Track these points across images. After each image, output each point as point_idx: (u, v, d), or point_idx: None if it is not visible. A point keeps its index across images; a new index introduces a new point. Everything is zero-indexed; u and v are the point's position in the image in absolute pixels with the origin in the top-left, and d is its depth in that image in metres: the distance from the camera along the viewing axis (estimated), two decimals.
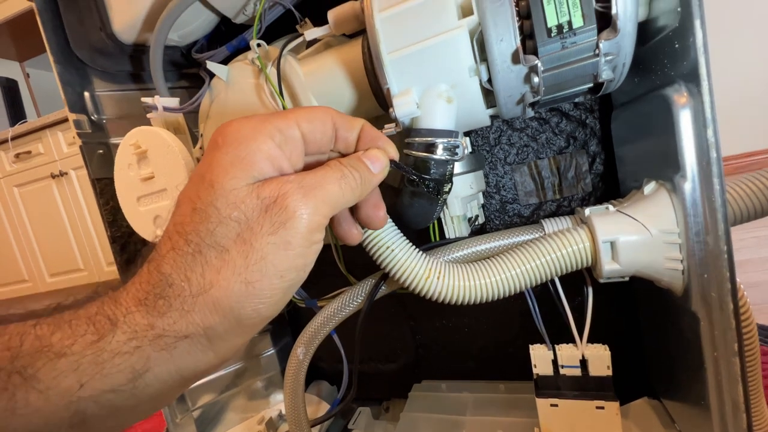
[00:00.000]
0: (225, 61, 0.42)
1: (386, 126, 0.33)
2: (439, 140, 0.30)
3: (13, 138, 2.16)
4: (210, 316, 0.19)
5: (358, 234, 0.29)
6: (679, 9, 0.24)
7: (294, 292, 0.22)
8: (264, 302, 0.20)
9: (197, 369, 0.20)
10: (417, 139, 0.31)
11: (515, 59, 0.27)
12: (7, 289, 2.41)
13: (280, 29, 0.41)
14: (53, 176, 2.15)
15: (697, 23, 0.23)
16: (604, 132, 0.43)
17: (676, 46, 0.25)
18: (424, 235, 0.40)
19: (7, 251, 2.32)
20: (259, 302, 0.20)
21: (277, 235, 0.20)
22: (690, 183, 0.26)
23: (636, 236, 0.29)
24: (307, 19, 0.41)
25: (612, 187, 0.44)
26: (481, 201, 0.47)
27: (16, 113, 2.58)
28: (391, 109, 0.31)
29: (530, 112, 0.32)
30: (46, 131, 2.14)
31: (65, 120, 2.08)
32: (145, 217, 0.41)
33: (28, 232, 2.27)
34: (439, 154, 0.30)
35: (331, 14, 0.34)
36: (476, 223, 0.44)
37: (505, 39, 0.27)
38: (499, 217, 0.48)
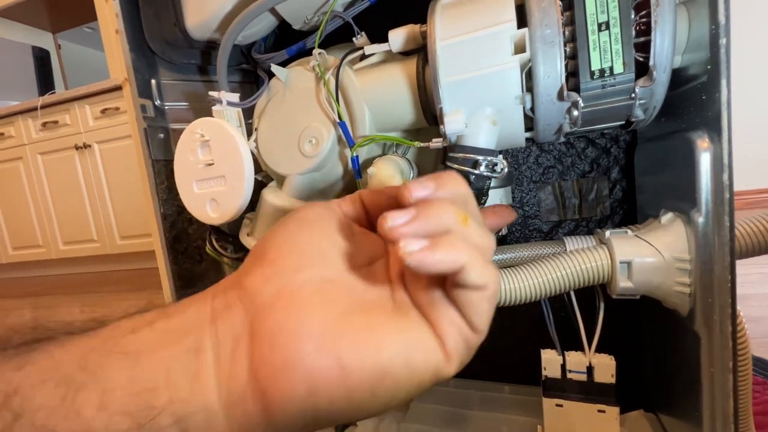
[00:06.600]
0: (282, 64, 0.46)
1: (434, 140, 0.37)
2: (482, 158, 0.34)
3: (43, 107, 2.22)
4: None
5: None
6: (709, 66, 0.27)
7: None
8: None
9: None
10: (461, 155, 0.34)
11: (559, 95, 0.30)
12: (20, 253, 2.48)
13: (333, 38, 0.45)
14: (77, 147, 2.21)
15: (723, 81, 0.26)
16: (626, 161, 0.46)
17: (703, 97, 0.28)
18: None
19: (24, 216, 2.38)
20: None
21: None
22: (704, 218, 0.29)
23: (651, 259, 0.32)
24: (363, 33, 0.45)
25: (628, 213, 0.47)
26: None
27: (46, 83, 2.64)
28: (441, 126, 0.34)
29: (561, 138, 0.36)
30: (75, 103, 2.19)
31: (94, 94, 2.14)
32: (201, 199, 0.45)
33: (47, 199, 2.33)
34: (481, 170, 0.34)
35: (393, 35, 0.38)
36: (499, 234, 0.48)
37: (551, 76, 0.30)
38: (519, 230, 0.52)
